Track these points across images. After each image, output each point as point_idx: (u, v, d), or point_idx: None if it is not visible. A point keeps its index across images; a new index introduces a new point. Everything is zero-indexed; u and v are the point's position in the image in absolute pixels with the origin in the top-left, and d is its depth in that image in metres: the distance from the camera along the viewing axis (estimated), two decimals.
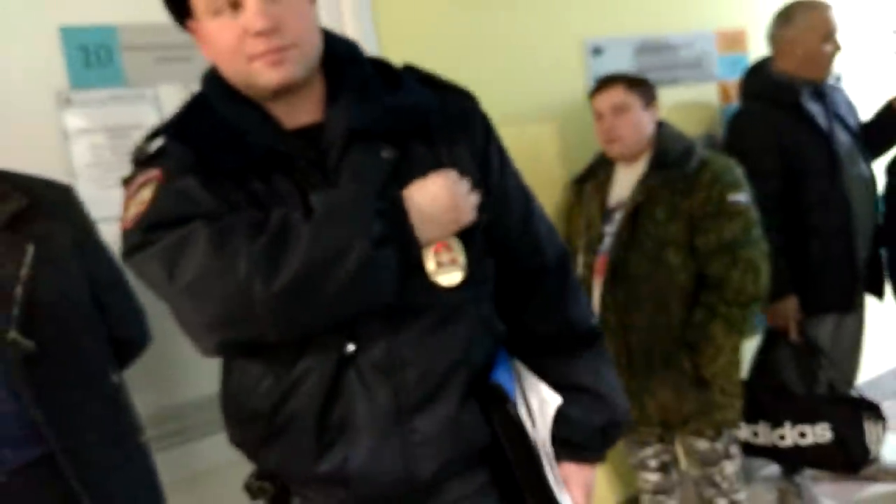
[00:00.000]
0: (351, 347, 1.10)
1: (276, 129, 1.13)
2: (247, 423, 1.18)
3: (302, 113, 1.14)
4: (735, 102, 3.02)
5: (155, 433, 1.82)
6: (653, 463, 2.42)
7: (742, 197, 2.19)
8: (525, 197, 1.27)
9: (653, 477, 2.44)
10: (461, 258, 1.13)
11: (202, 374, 1.80)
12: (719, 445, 2.29)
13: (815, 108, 2.60)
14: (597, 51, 2.67)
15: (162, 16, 1.84)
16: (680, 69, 2.91)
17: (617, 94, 2.26)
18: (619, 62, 2.69)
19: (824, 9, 2.61)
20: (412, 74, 1.22)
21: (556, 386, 1.25)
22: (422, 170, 1.12)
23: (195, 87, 1.86)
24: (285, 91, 1.10)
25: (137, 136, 1.81)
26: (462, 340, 1.15)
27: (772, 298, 2.49)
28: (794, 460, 2.67)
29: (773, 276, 2.31)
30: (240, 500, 1.30)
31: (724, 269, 2.13)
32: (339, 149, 1.10)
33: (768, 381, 2.63)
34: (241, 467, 1.26)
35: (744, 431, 2.56)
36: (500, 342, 1.25)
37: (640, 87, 2.28)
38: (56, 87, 1.77)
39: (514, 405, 1.17)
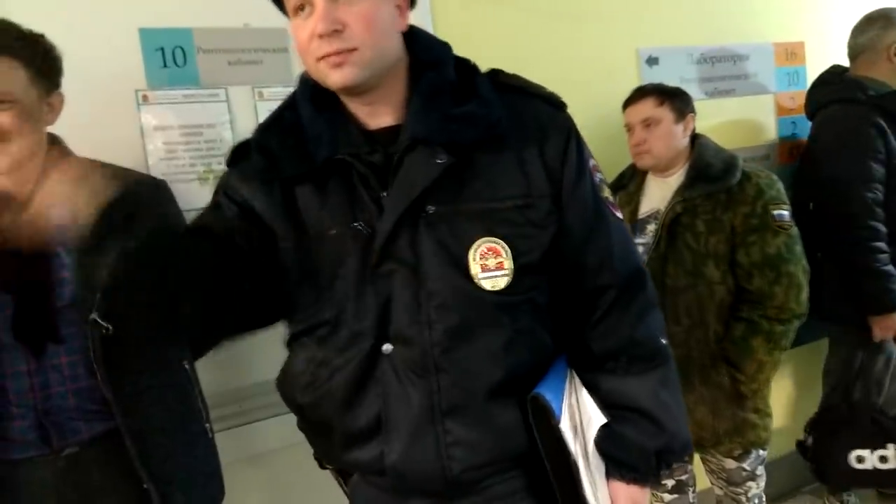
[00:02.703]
0: (387, 347, 1.13)
1: (344, 131, 1.16)
2: (295, 410, 1.28)
3: (383, 114, 1.17)
4: (791, 115, 3.00)
5: (228, 412, 1.93)
6: (669, 483, 2.36)
7: (786, 212, 2.15)
8: (600, 212, 1.24)
9: (668, 497, 2.38)
10: (509, 264, 1.14)
11: (269, 358, 1.92)
12: (747, 466, 2.26)
13: None
14: (652, 60, 2.68)
15: (235, 20, 1.96)
16: (736, 80, 2.90)
17: (647, 108, 2.23)
18: (675, 72, 2.70)
19: None
20: (495, 80, 1.22)
21: (612, 405, 1.24)
22: (486, 176, 1.14)
23: (264, 89, 2.00)
24: (352, 92, 1.14)
25: (209, 134, 1.94)
26: (496, 350, 1.15)
27: (882, 311, 2.47)
28: None
29: (886, 287, 2.34)
30: (307, 478, 1.35)
31: (767, 284, 2.10)
32: (400, 153, 1.12)
33: (874, 399, 2.55)
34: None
35: (869, 459, 2.49)
36: (550, 357, 1.24)
37: (673, 100, 2.23)
38: (134, 85, 1.86)
39: (557, 418, 1.16)
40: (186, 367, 1.59)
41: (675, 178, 2.24)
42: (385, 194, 1.13)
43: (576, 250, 1.22)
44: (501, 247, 1.13)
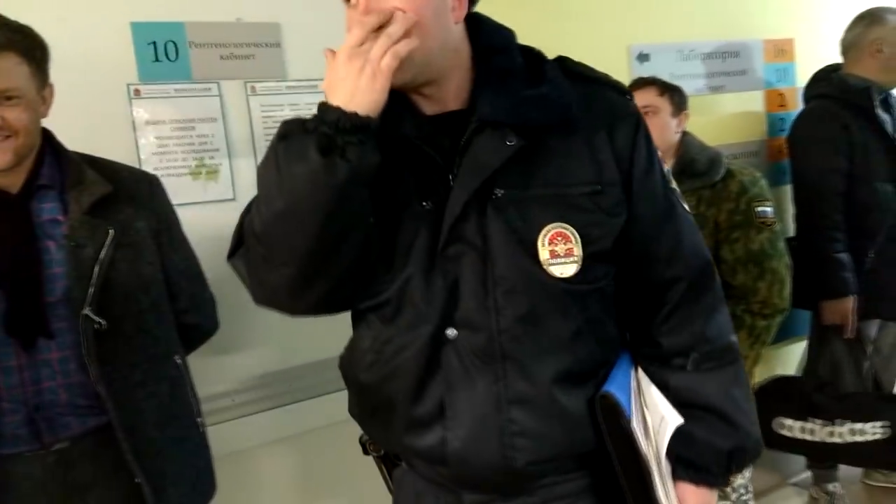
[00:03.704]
0: (452, 333, 1.11)
1: (408, 113, 1.12)
2: (355, 392, 1.25)
3: (443, 101, 1.14)
4: (780, 111, 3.03)
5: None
6: None
7: (769, 209, 2.20)
8: (670, 202, 1.21)
9: None
10: (578, 251, 1.10)
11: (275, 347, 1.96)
12: None
13: (883, 116, 2.64)
14: (642, 57, 2.69)
15: (227, 14, 1.96)
16: (726, 77, 2.92)
17: (648, 96, 2.27)
18: (665, 68, 2.69)
19: None
20: (563, 66, 1.20)
21: (682, 403, 1.19)
22: (556, 161, 1.12)
23: (257, 84, 2.00)
24: (401, 89, 1.08)
25: (201, 129, 1.94)
26: (565, 339, 1.13)
27: (831, 296, 2.54)
28: (843, 458, 2.67)
29: (836, 273, 2.39)
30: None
31: (751, 279, 2.15)
32: (468, 135, 1.09)
33: (821, 378, 2.66)
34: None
35: (793, 428, 2.58)
36: (616, 350, 1.22)
37: (673, 94, 2.28)
38: (126, 79, 1.86)
39: (629, 419, 1.13)
40: (178, 361, 1.59)
41: None
42: (452, 176, 1.10)
43: (646, 240, 1.18)
44: (571, 233, 1.10)
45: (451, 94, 1.14)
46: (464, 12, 1.12)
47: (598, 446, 1.15)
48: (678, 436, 1.18)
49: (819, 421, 2.54)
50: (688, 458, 1.19)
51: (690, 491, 1.20)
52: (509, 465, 1.12)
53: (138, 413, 1.47)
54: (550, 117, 1.12)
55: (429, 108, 1.14)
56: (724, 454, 1.19)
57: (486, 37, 1.17)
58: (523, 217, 1.10)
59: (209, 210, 1.93)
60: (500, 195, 1.10)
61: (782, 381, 2.70)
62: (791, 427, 2.56)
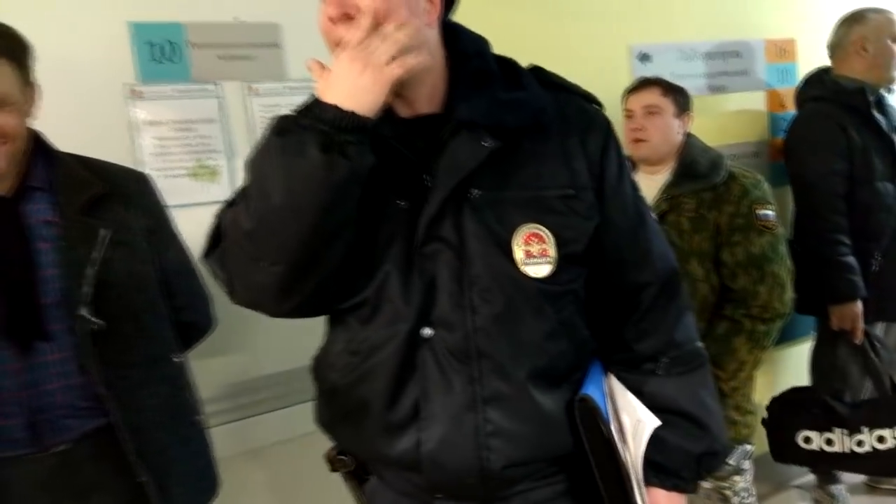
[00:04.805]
0: (428, 332, 1.11)
1: (384, 113, 1.10)
2: (327, 395, 1.23)
3: (415, 104, 1.14)
4: (782, 111, 3.02)
5: (226, 406, 1.96)
6: None
7: (770, 213, 2.19)
8: (640, 210, 1.24)
9: None
10: (553, 252, 1.12)
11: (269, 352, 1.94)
12: (731, 460, 2.29)
13: (878, 116, 2.64)
14: (644, 57, 2.69)
15: (226, 15, 1.95)
16: (728, 77, 2.91)
17: (652, 96, 2.27)
18: (667, 69, 2.70)
19: (891, 13, 2.68)
20: (537, 75, 1.22)
21: (652, 407, 1.21)
22: (531, 164, 1.13)
23: (256, 84, 1.99)
24: None
25: (200, 130, 1.94)
26: (539, 339, 1.14)
27: (840, 300, 2.53)
28: (871, 468, 2.66)
29: (843, 277, 2.38)
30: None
31: (752, 283, 2.14)
32: (445, 136, 1.10)
33: (834, 386, 2.64)
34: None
35: (816, 441, 2.57)
36: (589, 354, 1.23)
37: (676, 94, 2.28)
38: (125, 80, 1.86)
39: (607, 422, 1.14)
40: (176, 360, 1.59)
41: (663, 176, 2.27)
42: (428, 176, 1.11)
43: (617, 245, 1.20)
44: (545, 234, 1.12)
45: (423, 97, 1.14)
46: (437, 15, 1.13)
47: (575, 450, 1.16)
48: (650, 440, 1.19)
49: (843, 431, 2.52)
50: (658, 462, 1.21)
51: (662, 496, 1.22)
52: (484, 468, 1.12)
53: (140, 413, 1.47)
54: (525, 120, 1.13)
55: (402, 111, 1.15)
56: (694, 458, 1.22)
57: (461, 43, 1.18)
58: (499, 217, 1.11)
59: (208, 211, 1.87)
60: (476, 195, 1.11)
61: (798, 392, 2.68)
62: (815, 440, 2.54)
